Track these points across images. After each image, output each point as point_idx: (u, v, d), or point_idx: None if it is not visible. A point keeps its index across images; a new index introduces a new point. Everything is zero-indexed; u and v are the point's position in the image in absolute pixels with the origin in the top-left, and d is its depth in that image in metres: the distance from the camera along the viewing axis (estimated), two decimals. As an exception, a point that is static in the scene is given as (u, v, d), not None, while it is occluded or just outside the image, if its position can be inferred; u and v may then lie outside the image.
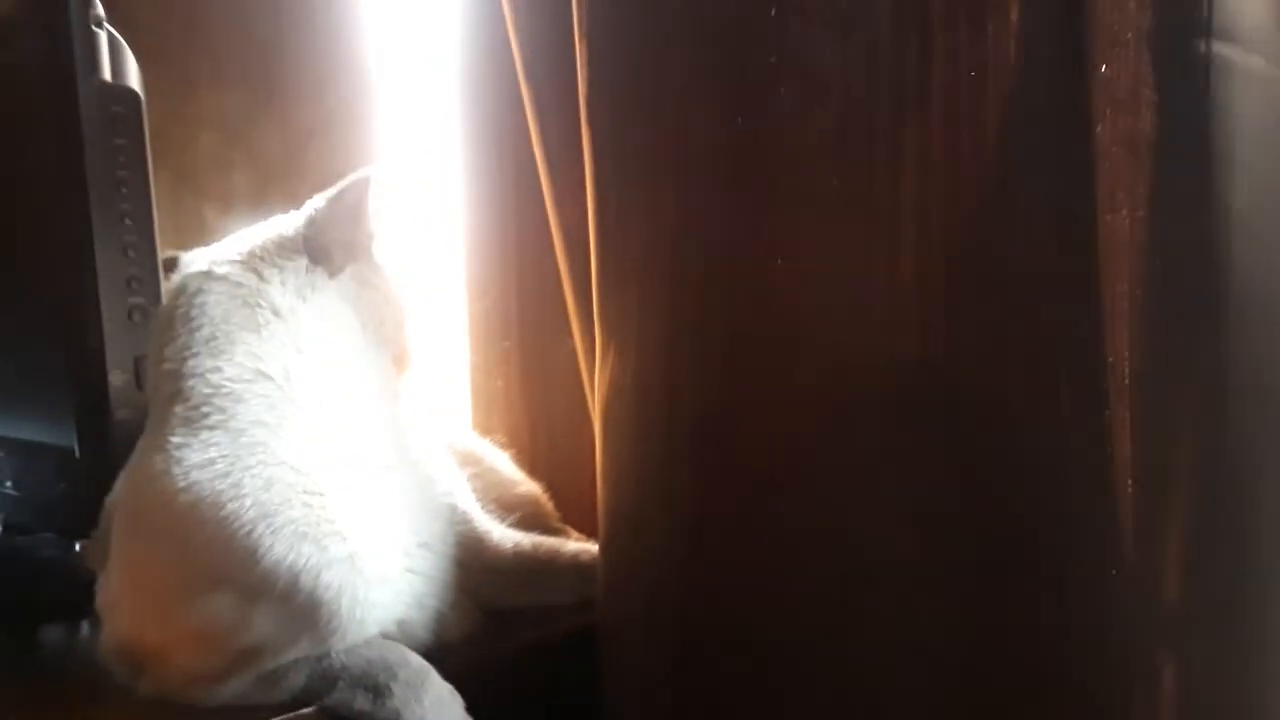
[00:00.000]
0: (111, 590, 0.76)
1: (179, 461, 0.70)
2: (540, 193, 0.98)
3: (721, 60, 0.68)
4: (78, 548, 0.98)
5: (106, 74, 0.92)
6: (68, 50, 0.87)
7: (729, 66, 0.68)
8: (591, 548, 0.90)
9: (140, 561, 0.74)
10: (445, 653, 0.77)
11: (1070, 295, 0.59)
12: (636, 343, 0.75)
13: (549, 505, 1.06)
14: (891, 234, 0.63)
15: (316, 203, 0.82)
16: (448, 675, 0.73)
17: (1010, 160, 0.61)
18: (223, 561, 0.68)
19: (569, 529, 1.04)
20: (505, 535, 0.88)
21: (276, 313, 0.76)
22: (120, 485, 0.78)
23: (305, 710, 0.71)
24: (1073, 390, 0.59)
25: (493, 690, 0.74)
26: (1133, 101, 0.57)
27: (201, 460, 0.69)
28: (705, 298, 0.70)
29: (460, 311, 1.25)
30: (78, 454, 0.93)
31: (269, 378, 0.73)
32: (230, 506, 0.68)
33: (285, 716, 0.70)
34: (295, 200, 0.85)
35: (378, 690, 0.69)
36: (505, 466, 1.04)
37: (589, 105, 0.78)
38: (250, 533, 0.68)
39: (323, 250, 0.80)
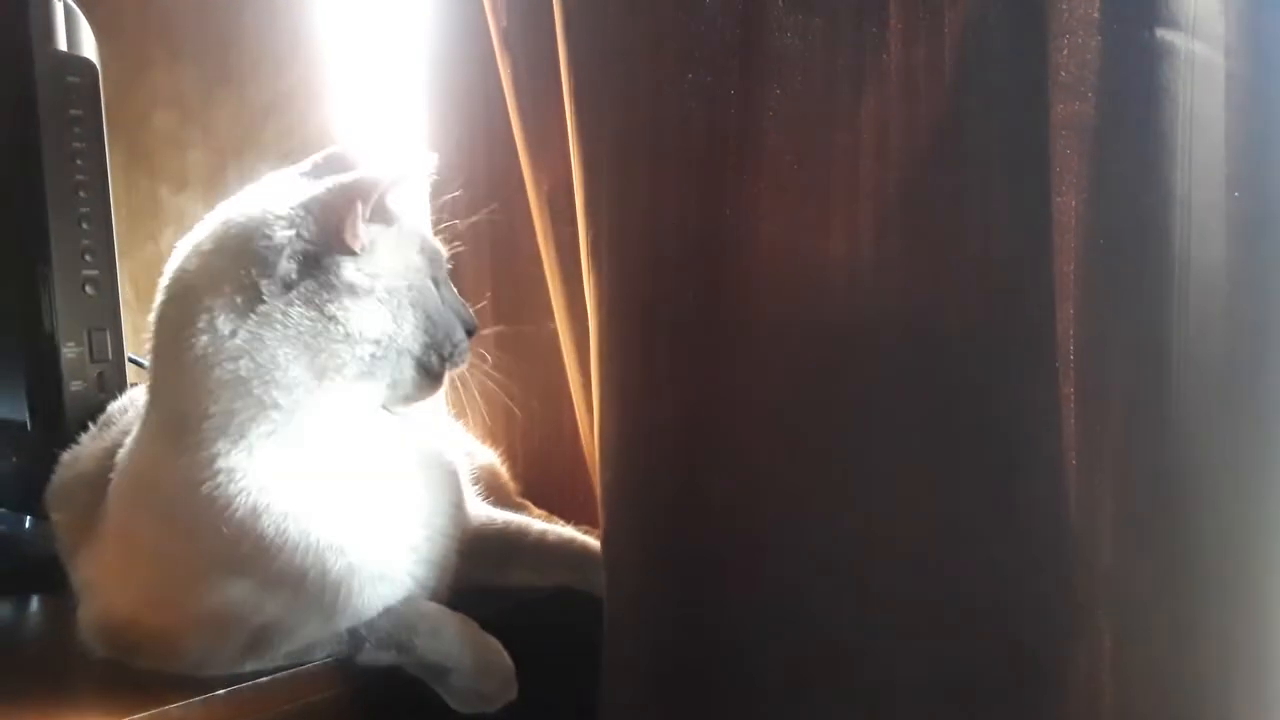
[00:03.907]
0: (104, 571, 0.76)
1: (170, 473, 0.70)
2: (513, 172, 0.98)
3: (690, 40, 0.68)
4: (27, 523, 0.97)
5: (62, 44, 0.91)
6: (23, 18, 0.86)
7: (698, 46, 0.68)
8: (557, 529, 0.90)
9: (143, 552, 0.74)
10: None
11: (1022, 275, 0.61)
12: (613, 321, 0.75)
13: (507, 476, 1.06)
14: (850, 215, 0.64)
15: (318, 198, 0.72)
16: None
17: (966, 144, 0.62)
18: (228, 564, 0.69)
19: (528, 504, 1.04)
20: (479, 513, 0.88)
21: (259, 336, 0.70)
22: (120, 469, 0.77)
23: (305, 665, 0.74)
24: (1022, 367, 0.61)
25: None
26: (1080, 86, 0.59)
27: (190, 479, 0.69)
28: (674, 276, 0.71)
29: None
30: (30, 428, 0.93)
31: (249, 399, 0.70)
32: (232, 528, 0.68)
33: (291, 670, 0.73)
34: (250, 179, 0.82)
35: (401, 647, 0.74)
36: (462, 438, 1.03)
37: (572, 79, 0.79)
38: (249, 550, 0.69)
39: (314, 261, 0.71)
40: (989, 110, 0.62)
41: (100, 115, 0.93)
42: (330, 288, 0.71)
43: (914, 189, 0.63)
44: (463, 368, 0.81)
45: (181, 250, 0.74)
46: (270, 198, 0.74)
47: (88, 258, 0.91)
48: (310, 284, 0.71)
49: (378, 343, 0.73)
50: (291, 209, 0.72)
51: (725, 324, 0.69)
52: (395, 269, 0.75)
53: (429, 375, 0.78)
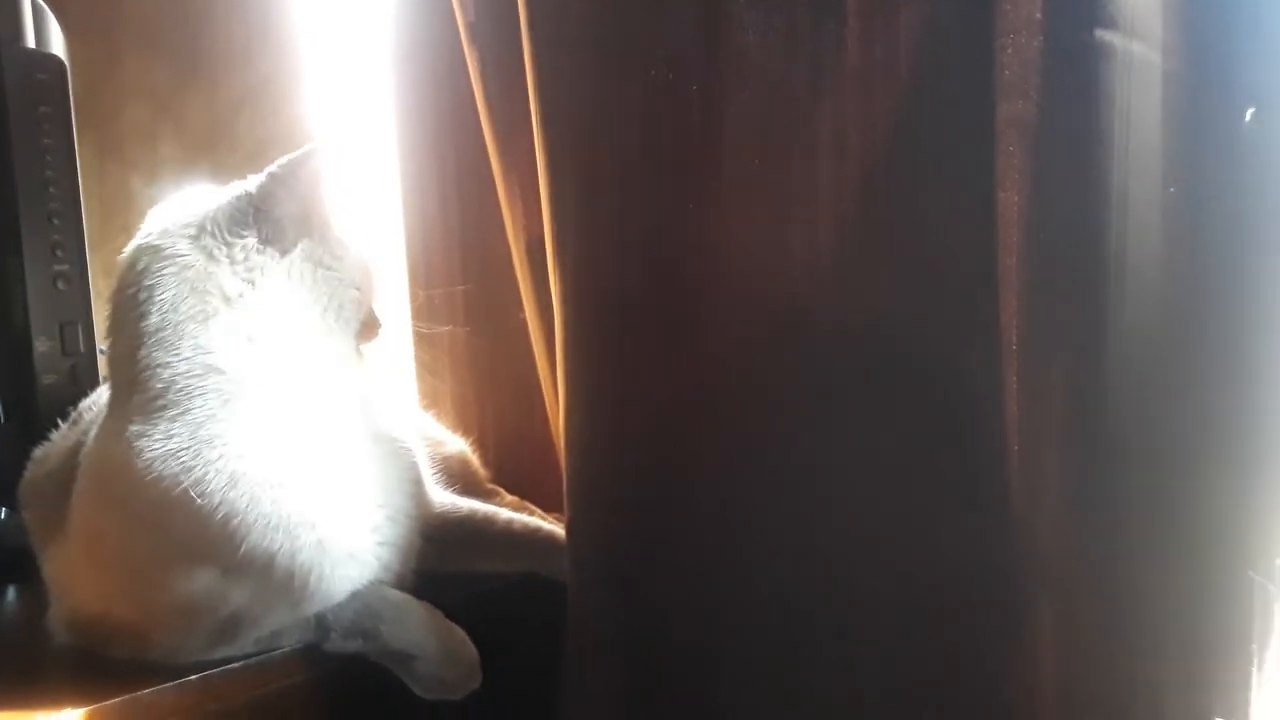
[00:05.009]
0: (73, 567, 0.77)
1: (139, 452, 0.69)
2: (482, 165, 0.99)
3: (652, 37, 0.70)
4: (2, 514, 0.98)
5: (30, 41, 0.92)
6: (-11, 16, 0.87)
7: (660, 43, 0.69)
8: (523, 517, 0.91)
9: (110, 545, 0.74)
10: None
11: (969, 269, 0.63)
12: (587, 314, 0.77)
13: (477, 464, 1.07)
14: (808, 210, 0.66)
15: (271, 172, 0.76)
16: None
17: (919, 141, 0.63)
18: (196, 549, 0.70)
19: (500, 490, 1.06)
20: (444, 500, 0.89)
21: (226, 300, 0.72)
22: (85, 463, 0.76)
23: (275, 651, 0.75)
24: (970, 357, 0.63)
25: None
26: (1023, 85, 0.60)
27: (163, 451, 0.68)
28: (636, 271, 0.72)
29: (402, 292, 1.24)
30: (3, 421, 0.93)
31: (219, 371, 0.71)
32: (198, 504, 0.68)
33: (261, 656, 0.75)
34: (223, 171, 0.85)
35: (366, 635, 0.76)
36: (430, 427, 1.05)
37: (536, 74, 0.79)
38: (219, 530, 0.69)
39: (275, 226, 0.75)
40: (940, 108, 0.63)
41: (69, 112, 0.94)
42: (324, 240, 0.79)
43: (870, 185, 0.64)
44: None
45: (148, 224, 0.77)
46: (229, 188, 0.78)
47: (58, 253, 0.92)
48: (306, 242, 0.77)
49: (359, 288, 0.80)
50: (261, 182, 0.76)
51: (685, 318, 0.71)
52: None
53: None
